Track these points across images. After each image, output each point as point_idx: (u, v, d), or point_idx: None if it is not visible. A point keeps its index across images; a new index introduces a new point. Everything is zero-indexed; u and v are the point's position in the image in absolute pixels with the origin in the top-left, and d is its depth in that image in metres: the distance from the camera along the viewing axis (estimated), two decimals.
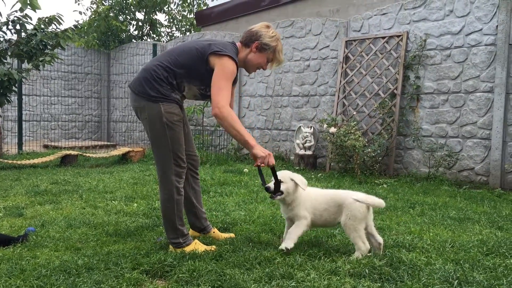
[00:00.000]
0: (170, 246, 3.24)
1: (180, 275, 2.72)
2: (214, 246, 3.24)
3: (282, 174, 3.22)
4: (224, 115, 2.99)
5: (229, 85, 3.09)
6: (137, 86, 3.18)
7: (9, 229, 3.83)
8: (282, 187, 3.17)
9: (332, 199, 3.24)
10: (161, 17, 34.77)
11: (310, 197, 3.27)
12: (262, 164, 3.06)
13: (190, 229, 3.65)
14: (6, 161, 7.86)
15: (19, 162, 7.89)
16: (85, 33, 14.35)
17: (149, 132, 3.19)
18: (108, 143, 12.53)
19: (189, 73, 3.17)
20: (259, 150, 3.04)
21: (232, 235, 3.63)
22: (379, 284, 2.62)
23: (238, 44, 3.35)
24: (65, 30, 8.72)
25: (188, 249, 3.17)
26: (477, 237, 3.65)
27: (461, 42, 6.72)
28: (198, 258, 3.02)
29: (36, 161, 7.95)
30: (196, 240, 3.31)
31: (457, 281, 2.65)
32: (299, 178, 3.24)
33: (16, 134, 10.54)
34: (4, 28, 8.24)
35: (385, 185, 6.28)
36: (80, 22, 14.44)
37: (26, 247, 3.31)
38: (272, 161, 3.07)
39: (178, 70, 3.15)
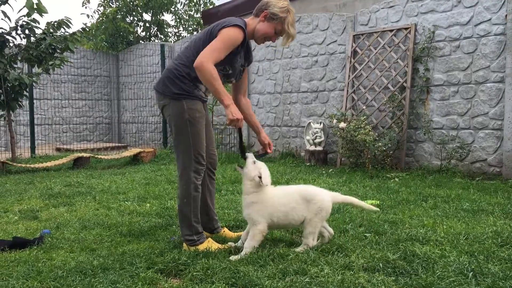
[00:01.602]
0: (184, 244, 3.26)
1: (194, 273, 2.74)
2: (228, 244, 3.26)
3: (257, 162, 3.22)
4: (204, 68, 2.98)
5: (224, 48, 3.06)
6: (161, 86, 3.26)
7: (25, 232, 3.88)
8: (244, 170, 3.19)
9: (301, 196, 3.19)
10: (168, 17, 34.90)
11: (274, 197, 3.20)
12: (232, 126, 3.12)
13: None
14: (19, 165, 7.95)
15: (32, 165, 7.98)
16: (93, 36, 14.44)
17: (172, 128, 3.26)
18: (119, 144, 12.61)
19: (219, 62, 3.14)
20: (230, 111, 3.03)
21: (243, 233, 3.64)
22: (393, 278, 2.62)
23: (249, 19, 3.33)
24: (74, 33, 8.79)
25: (201, 247, 3.19)
26: (491, 229, 3.62)
27: (470, 32, 6.66)
28: (212, 256, 3.04)
29: (49, 164, 8.03)
30: (209, 239, 3.33)
31: (472, 273, 2.63)
32: (266, 173, 3.19)
33: (29, 138, 10.65)
34: (14, 33, 8.34)
35: (396, 179, 6.25)
36: (88, 25, 14.55)
37: (42, 249, 3.35)
38: (240, 125, 3.08)
39: None
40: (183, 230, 3.27)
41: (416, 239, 3.35)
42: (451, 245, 3.21)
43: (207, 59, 3.00)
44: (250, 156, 3.25)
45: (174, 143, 3.28)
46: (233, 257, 3.00)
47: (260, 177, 3.15)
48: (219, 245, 3.24)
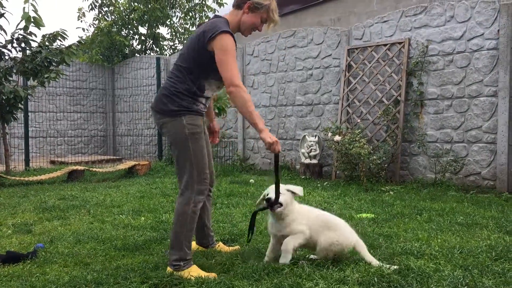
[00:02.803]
0: (168, 267, 3.07)
1: None
2: (214, 274, 3.00)
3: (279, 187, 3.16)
4: (240, 94, 2.97)
5: (235, 60, 3.04)
6: (158, 104, 3.16)
7: (19, 246, 3.85)
8: (281, 198, 3.11)
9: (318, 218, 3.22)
10: (163, 30, 34.99)
11: (304, 213, 3.21)
12: (269, 151, 3.10)
13: (196, 244, 3.62)
14: (13, 178, 7.91)
15: (26, 178, 7.94)
16: (88, 48, 14.47)
17: (173, 146, 3.17)
18: (114, 157, 12.58)
19: (202, 71, 3.12)
20: (267, 135, 2.99)
21: (237, 247, 3.63)
22: None
23: (229, 13, 3.28)
24: (69, 46, 8.82)
25: (185, 274, 2.97)
26: (485, 242, 3.63)
27: (463, 47, 6.74)
28: (207, 270, 3.02)
29: (43, 177, 8.00)
30: (194, 265, 3.09)
31: (466, 287, 2.64)
32: (297, 188, 3.22)
33: (23, 150, 10.61)
34: (9, 46, 8.35)
35: (391, 192, 6.27)
36: (84, 38, 14.59)
37: (35, 264, 3.33)
38: (278, 148, 3.02)
39: (192, 75, 3.12)
40: (172, 253, 3.08)
41: (411, 253, 3.36)
42: (445, 259, 3.22)
43: (237, 83, 2.97)
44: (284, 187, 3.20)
45: (176, 161, 3.16)
46: (281, 260, 3.07)
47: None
48: (205, 273, 2.98)
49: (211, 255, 3.43)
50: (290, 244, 3.09)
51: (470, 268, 2.99)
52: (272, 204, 3.10)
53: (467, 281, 2.72)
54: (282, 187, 3.17)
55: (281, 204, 3.10)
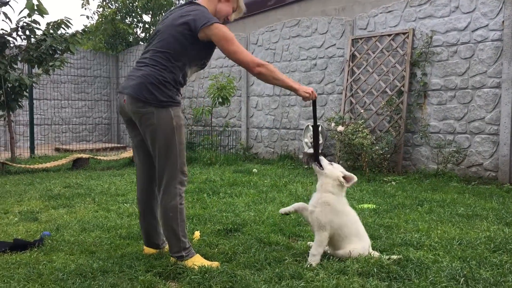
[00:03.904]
0: (171, 258, 3.11)
1: (192, 276, 2.79)
2: (217, 263, 3.06)
3: (334, 164, 3.25)
4: (266, 71, 3.09)
5: (239, 44, 3.10)
6: (142, 92, 2.98)
7: (25, 234, 3.92)
8: (324, 168, 3.17)
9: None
10: None
11: (346, 206, 3.21)
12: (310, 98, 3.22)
13: (145, 246, 3.37)
14: (19, 165, 7.99)
15: (31, 166, 8.03)
16: (93, 35, 14.49)
17: (156, 138, 3.01)
18: (118, 145, 12.66)
19: (189, 59, 3.10)
20: (302, 91, 3.18)
21: None
22: (386, 283, 2.67)
23: (203, 1, 3.22)
24: (74, 34, 8.85)
25: (189, 263, 3.02)
26: (484, 234, 3.68)
27: (468, 38, 6.72)
28: (210, 259, 3.09)
29: (48, 165, 8.08)
30: (197, 255, 3.14)
31: (463, 278, 2.69)
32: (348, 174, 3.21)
33: (28, 138, 10.70)
34: (14, 34, 8.38)
35: (393, 183, 6.31)
36: (88, 25, 14.59)
37: (42, 252, 3.39)
38: (315, 94, 3.23)
39: (178, 63, 3.06)
40: (171, 246, 3.08)
41: (411, 244, 3.41)
42: (444, 250, 3.27)
43: (258, 62, 3.08)
44: (323, 159, 3.25)
45: (159, 154, 3.03)
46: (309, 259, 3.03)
47: (344, 178, 3.17)
48: (209, 262, 3.05)
49: (214, 244, 3.50)
50: (314, 248, 3.07)
51: (468, 259, 3.04)
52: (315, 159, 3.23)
53: (465, 272, 2.77)
54: (338, 167, 3.23)
55: (321, 167, 3.19)
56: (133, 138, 3.25)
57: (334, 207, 3.10)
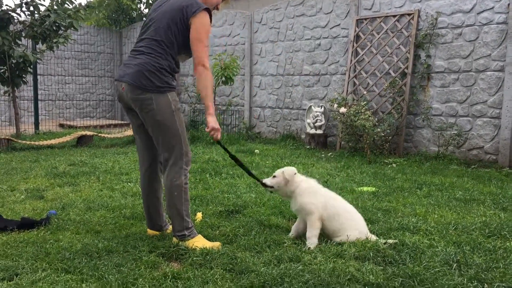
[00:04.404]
0: (174, 238, 3.20)
1: (194, 258, 2.89)
2: (218, 243, 3.18)
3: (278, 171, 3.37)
4: (207, 76, 3.15)
5: (209, 40, 3.16)
6: (140, 79, 3.08)
7: (32, 212, 4.02)
8: (272, 181, 3.34)
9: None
10: None
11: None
12: (210, 134, 3.31)
13: (148, 229, 3.46)
14: (24, 142, 8.09)
15: (36, 142, 8.11)
16: (96, 10, 14.41)
17: (158, 122, 3.11)
18: (122, 121, 12.72)
19: (182, 46, 3.20)
20: (214, 120, 3.23)
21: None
22: (382, 267, 2.76)
23: None
24: (78, 10, 8.83)
25: (190, 244, 3.11)
26: (480, 219, 3.75)
27: (473, 20, 6.69)
28: (212, 240, 3.18)
29: (53, 141, 8.16)
30: (199, 235, 3.24)
31: (456, 263, 2.78)
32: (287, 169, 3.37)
33: (32, 113, 10.77)
34: (18, 10, 8.37)
35: (394, 165, 6.37)
36: (91, 0, 14.50)
37: (49, 230, 3.49)
38: (218, 136, 3.30)
39: (173, 51, 3.17)
40: (175, 225, 3.18)
41: (407, 228, 3.49)
42: (440, 235, 3.35)
43: (207, 65, 3.13)
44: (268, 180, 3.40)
45: (162, 137, 3.14)
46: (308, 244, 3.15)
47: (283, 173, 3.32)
48: (210, 243, 3.15)
49: (215, 226, 3.59)
50: (310, 234, 3.19)
51: (462, 244, 3.12)
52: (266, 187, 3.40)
53: (458, 257, 2.86)
54: (280, 170, 3.36)
55: (272, 187, 3.35)
56: (133, 122, 3.34)
57: (312, 190, 3.29)
